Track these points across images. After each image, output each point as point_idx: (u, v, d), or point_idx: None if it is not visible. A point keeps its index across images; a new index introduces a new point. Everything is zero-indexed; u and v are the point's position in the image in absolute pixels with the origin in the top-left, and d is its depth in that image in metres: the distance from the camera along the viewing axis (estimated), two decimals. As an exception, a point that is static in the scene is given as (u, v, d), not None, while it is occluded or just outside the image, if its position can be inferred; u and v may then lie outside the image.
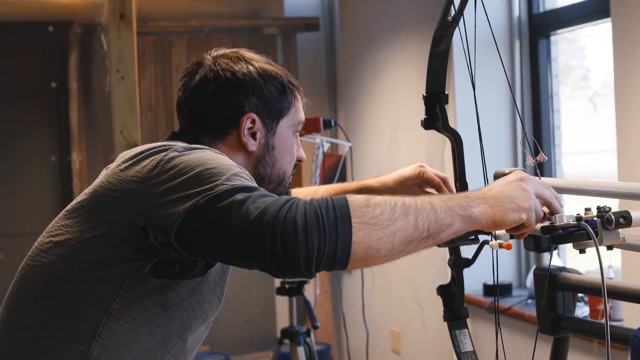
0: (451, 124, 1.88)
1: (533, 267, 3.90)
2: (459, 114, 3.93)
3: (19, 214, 6.85)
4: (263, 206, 1.42)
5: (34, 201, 6.82)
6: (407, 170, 2.19)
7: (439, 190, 2.13)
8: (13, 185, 7.02)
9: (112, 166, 1.75)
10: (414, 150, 4.39)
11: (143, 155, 1.68)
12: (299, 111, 1.92)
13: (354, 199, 1.42)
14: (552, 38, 3.98)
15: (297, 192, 2.26)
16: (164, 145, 1.69)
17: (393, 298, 4.77)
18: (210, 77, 1.84)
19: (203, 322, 1.81)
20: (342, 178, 5.08)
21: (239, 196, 1.45)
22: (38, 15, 7.03)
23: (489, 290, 3.92)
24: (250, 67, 1.85)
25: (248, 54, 1.90)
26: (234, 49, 1.91)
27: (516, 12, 4.01)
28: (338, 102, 5.89)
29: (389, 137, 4.67)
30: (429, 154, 4.22)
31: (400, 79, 4.54)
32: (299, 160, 1.94)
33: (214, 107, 1.84)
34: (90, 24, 5.08)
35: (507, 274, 4.02)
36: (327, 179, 4.66)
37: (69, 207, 1.78)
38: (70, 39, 6.57)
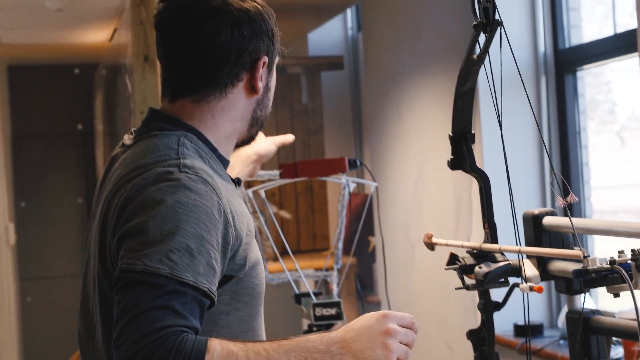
0: (478, 163, 1.85)
1: (564, 307, 3.83)
2: (485, 153, 3.89)
3: (47, 257, 6.87)
4: (127, 333, 1.44)
5: (61, 244, 6.83)
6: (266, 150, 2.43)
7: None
8: (41, 228, 7.05)
9: (105, 191, 1.71)
10: (440, 189, 4.35)
11: (123, 180, 1.64)
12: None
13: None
14: (578, 73, 3.94)
15: None
16: (138, 167, 1.63)
17: (422, 338, 4.70)
18: (226, 20, 1.71)
19: (264, 285, 1.78)
20: (369, 218, 5.04)
21: (132, 291, 1.47)
22: (64, 58, 7.10)
23: (519, 330, 3.85)
24: (255, 3, 1.75)
25: None
26: None
27: (542, 48, 3.98)
28: (364, 141, 5.87)
29: (415, 176, 4.63)
30: (455, 193, 4.18)
31: (426, 117, 4.51)
32: None
33: (232, 53, 1.72)
34: (115, 66, 5.10)
35: (538, 314, 3.95)
36: (353, 218, 4.62)
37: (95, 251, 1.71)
38: (96, 81, 6.62)
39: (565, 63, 3.93)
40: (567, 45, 3.95)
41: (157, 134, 1.72)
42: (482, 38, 1.75)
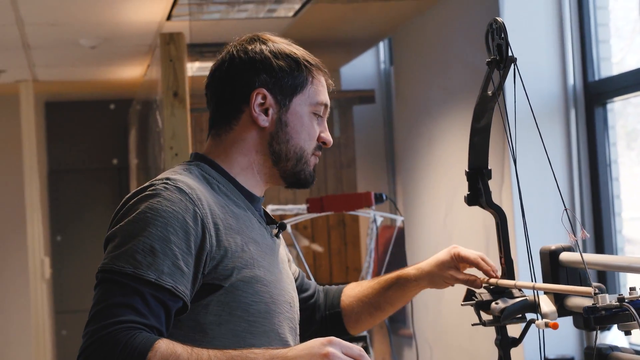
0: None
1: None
2: (515, 187, 3.86)
3: (82, 290, 6.90)
4: (90, 325, 1.58)
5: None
6: (442, 254, 2.15)
7: (478, 266, 2.08)
8: (76, 262, 7.11)
9: None
10: (470, 223, 4.33)
11: None
12: (319, 92, 1.90)
13: None
14: (618, 104, 3.91)
15: (347, 287, 2.23)
16: (138, 189, 1.77)
17: (454, 373, 4.68)
18: (225, 59, 1.89)
19: (279, 310, 1.82)
20: (401, 251, 5.02)
21: (100, 288, 1.62)
22: (100, 94, 7.20)
23: (551, 365, 3.82)
24: (263, 46, 1.88)
25: (267, 35, 1.93)
26: (257, 32, 1.95)
27: (571, 81, 3.96)
28: (397, 174, 5.86)
29: (445, 209, 4.62)
30: (485, 227, 4.16)
31: (456, 150, 4.51)
32: (324, 143, 1.92)
33: (227, 85, 1.88)
34: (148, 102, 5.16)
35: (569, 348, 3.91)
36: (382, 252, 4.61)
37: None
38: (131, 116, 6.69)
39: (595, 95, 3.91)
40: (596, 78, 3.93)
41: (178, 165, 1.91)
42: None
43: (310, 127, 1.88)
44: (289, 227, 3.34)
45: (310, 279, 2.20)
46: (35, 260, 6.29)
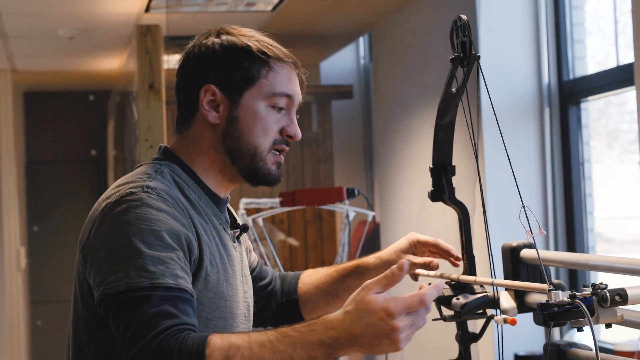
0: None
1: (564, 338, 3.81)
2: (489, 183, 3.88)
3: (58, 281, 6.91)
4: (132, 349, 1.51)
5: (72, 268, 6.85)
6: (400, 242, 2.12)
7: (438, 247, 2.07)
8: (52, 252, 7.10)
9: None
10: (443, 219, 4.35)
11: (98, 201, 1.73)
12: (278, 83, 1.81)
13: (214, 357, 1.48)
14: (600, 103, 3.93)
15: (304, 273, 2.22)
16: (112, 189, 1.72)
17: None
18: (184, 55, 1.86)
19: (235, 323, 1.80)
20: (371, 246, 5.05)
21: (123, 312, 1.55)
22: (79, 84, 7.18)
23: (520, 361, 3.84)
24: (216, 40, 1.82)
25: (230, 27, 1.85)
26: (225, 25, 1.88)
27: (546, 80, 3.99)
28: (374, 169, 5.89)
29: (419, 205, 4.64)
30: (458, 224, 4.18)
31: (431, 147, 4.52)
32: (289, 137, 1.84)
33: (183, 83, 1.84)
34: (125, 93, 5.16)
35: (536, 344, 3.94)
36: (355, 246, 4.63)
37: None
38: (109, 108, 6.68)
39: (569, 94, 3.94)
40: (571, 77, 3.96)
41: (146, 163, 1.84)
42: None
43: (265, 121, 1.80)
44: (260, 221, 3.36)
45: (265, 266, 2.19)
46: (11, 250, 6.28)
